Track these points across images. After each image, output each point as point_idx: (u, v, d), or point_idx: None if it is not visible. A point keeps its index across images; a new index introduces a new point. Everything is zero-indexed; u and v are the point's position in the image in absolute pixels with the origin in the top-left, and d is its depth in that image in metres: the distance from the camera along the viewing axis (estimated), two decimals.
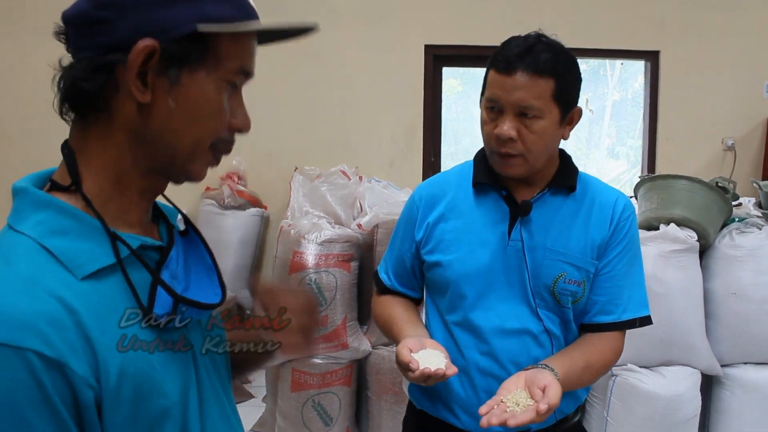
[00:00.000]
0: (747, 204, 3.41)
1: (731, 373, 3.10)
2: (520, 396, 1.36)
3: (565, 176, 1.61)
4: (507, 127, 1.48)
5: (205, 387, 0.91)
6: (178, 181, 0.90)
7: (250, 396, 4.14)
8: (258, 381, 4.30)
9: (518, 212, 1.56)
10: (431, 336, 1.63)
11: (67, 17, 0.83)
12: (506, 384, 1.41)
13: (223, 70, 0.85)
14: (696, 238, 3.02)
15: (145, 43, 0.78)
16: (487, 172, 1.61)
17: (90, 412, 0.74)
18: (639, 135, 5.14)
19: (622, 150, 8.17)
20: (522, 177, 1.57)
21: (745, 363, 3.12)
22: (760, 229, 3.09)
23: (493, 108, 1.52)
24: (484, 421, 1.31)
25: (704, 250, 3.15)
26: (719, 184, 3.11)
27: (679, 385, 2.96)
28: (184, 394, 0.85)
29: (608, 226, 1.58)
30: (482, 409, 1.34)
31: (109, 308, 0.78)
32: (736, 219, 3.18)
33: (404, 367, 1.42)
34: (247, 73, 0.89)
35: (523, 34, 1.53)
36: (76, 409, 0.73)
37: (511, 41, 1.52)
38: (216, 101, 0.86)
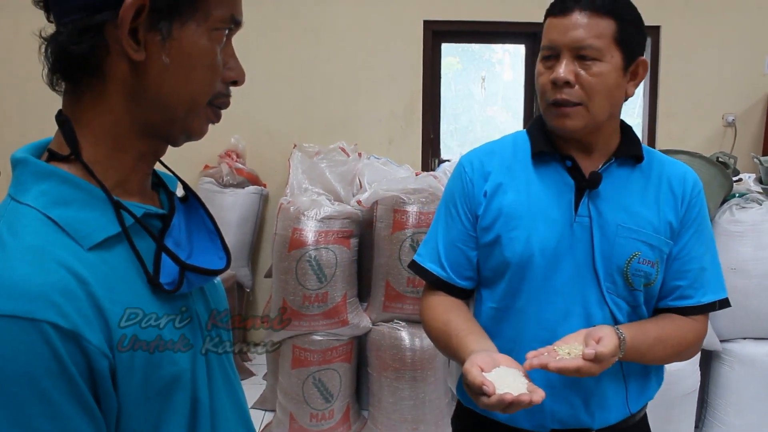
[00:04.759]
0: (747, 179, 3.40)
1: (730, 348, 3.11)
2: (574, 347, 1.27)
3: (630, 145, 1.46)
4: (563, 70, 1.35)
5: (212, 355, 0.92)
6: (177, 141, 0.88)
7: (251, 374, 4.16)
8: (258, 359, 4.33)
9: (586, 184, 1.41)
10: (484, 328, 1.46)
11: None
12: (566, 337, 1.31)
13: (213, 20, 0.82)
14: None
15: None
16: (546, 141, 1.46)
17: (105, 382, 0.74)
18: (639, 113, 5.12)
19: None
20: (582, 133, 1.41)
21: (744, 338, 3.13)
22: (761, 205, 3.09)
23: (549, 56, 1.39)
24: (527, 364, 1.23)
25: None
26: (720, 160, 3.10)
27: None
28: (193, 361, 0.85)
29: (681, 204, 1.45)
30: (530, 354, 1.26)
31: (117, 278, 0.78)
32: (737, 194, 3.18)
33: (476, 391, 1.19)
34: (237, 22, 0.86)
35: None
36: (92, 378, 0.73)
37: None
38: (210, 53, 0.83)
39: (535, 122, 1.53)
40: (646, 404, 1.55)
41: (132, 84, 0.81)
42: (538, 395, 1.17)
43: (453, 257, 1.51)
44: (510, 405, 1.16)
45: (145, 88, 0.81)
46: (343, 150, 4.00)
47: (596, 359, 1.22)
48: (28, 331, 0.68)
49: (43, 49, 0.81)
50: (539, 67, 1.43)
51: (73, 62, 0.79)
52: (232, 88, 0.90)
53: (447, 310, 1.49)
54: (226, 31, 0.85)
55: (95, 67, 0.80)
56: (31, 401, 0.69)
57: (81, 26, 0.77)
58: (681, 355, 1.48)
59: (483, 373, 1.21)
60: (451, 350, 1.42)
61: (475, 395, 1.20)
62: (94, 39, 0.78)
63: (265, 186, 4.59)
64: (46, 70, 0.82)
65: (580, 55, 1.36)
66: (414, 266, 1.57)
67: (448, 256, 1.51)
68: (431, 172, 3.76)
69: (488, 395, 1.17)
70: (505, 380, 1.19)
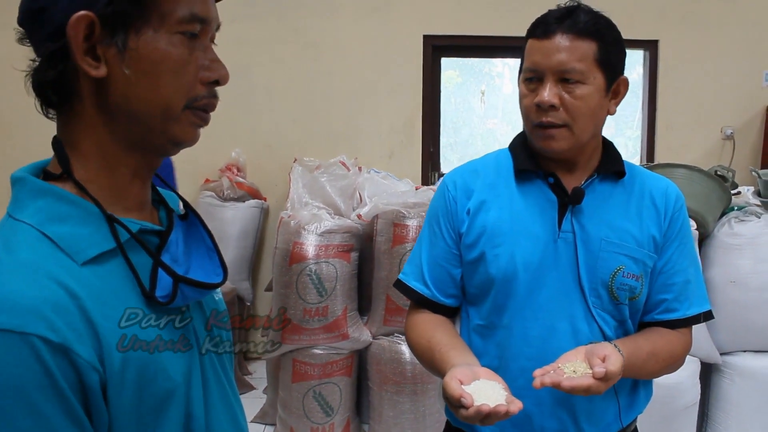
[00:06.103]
0: (746, 193, 3.41)
1: (730, 361, 3.11)
2: (578, 365, 1.26)
3: (611, 161, 1.48)
4: (548, 94, 1.37)
5: (208, 371, 0.92)
6: (166, 150, 0.88)
7: (251, 387, 4.15)
8: (258, 372, 4.32)
9: (569, 200, 1.43)
10: (470, 345, 1.47)
11: (19, 20, 0.84)
12: (565, 355, 1.30)
13: (172, 23, 0.81)
14: (695, 226, 3.03)
15: (77, 15, 0.77)
16: (529, 158, 1.47)
17: (96, 396, 0.74)
18: (637, 126, 5.14)
19: (621, 141, 8.15)
20: (567, 153, 1.43)
21: (744, 351, 3.13)
22: (759, 218, 3.10)
23: (532, 78, 1.41)
24: (537, 382, 1.22)
25: (703, 239, 3.16)
26: (718, 173, 3.11)
27: (679, 373, 2.93)
28: (187, 376, 0.86)
29: (663, 218, 1.46)
30: (537, 372, 1.25)
31: (110, 293, 0.79)
32: (735, 207, 3.19)
33: (454, 403, 1.20)
34: (202, 20, 0.84)
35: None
36: (83, 392, 0.73)
37: (549, 11, 1.43)
38: (173, 57, 0.82)
39: (517, 140, 1.55)
40: (636, 418, 1.56)
41: (102, 100, 0.82)
42: (515, 406, 1.17)
43: (436, 275, 1.52)
44: (487, 416, 1.16)
45: (115, 102, 0.82)
46: (344, 164, 4.02)
47: (605, 378, 1.22)
48: (19, 345, 0.69)
49: (29, 83, 0.84)
50: (522, 88, 1.45)
51: (48, 89, 0.82)
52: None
53: (431, 328, 1.49)
54: (195, 31, 0.84)
55: (69, 90, 0.82)
56: (21, 414, 0.69)
57: (49, 54, 0.80)
58: (670, 368, 1.50)
59: (462, 386, 1.21)
60: (434, 366, 1.42)
61: (455, 408, 1.21)
62: (62, 64, 0.80)
63: (265, 200, 4.60)
64: (36, 100, 0.84)
65: (564, 78, 1.37)
66: (399, 285, 1.59)
67: (431, 274, 1.53)
68: (431, 186, 3.77)
69: (466, 407, 1.17)
70: (484, 392, 1.20)
